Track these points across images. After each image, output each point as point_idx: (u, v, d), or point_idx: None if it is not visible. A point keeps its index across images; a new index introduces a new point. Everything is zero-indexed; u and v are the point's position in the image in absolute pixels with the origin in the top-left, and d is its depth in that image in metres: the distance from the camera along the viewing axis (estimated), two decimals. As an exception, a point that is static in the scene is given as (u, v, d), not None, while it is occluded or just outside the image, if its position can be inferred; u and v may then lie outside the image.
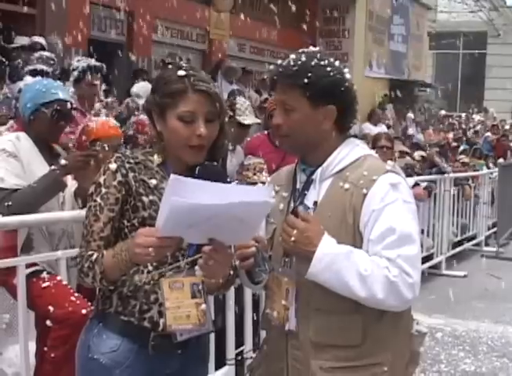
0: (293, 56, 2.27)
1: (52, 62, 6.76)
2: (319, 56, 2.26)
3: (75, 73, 5.75)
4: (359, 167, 2.24)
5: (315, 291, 2.18)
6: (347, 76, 2.28)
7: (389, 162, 2.36)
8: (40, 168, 3.72)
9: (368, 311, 2.18)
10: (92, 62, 5.96)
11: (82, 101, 5.62)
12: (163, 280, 2.23)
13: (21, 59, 7.12)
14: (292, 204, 2.33)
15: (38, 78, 4.19)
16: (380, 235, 2.15)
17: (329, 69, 2.24)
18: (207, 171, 2.25)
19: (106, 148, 4.40)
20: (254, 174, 5.01)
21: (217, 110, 2.28)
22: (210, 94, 2.26)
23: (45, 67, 6.34)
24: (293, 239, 2.15)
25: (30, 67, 6.49)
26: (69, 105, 3.97)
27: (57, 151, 3.97)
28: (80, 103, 5.53)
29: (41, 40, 8.00)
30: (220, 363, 4.15)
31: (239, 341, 4.34)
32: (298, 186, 2.34)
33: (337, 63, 2.28)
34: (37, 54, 6.98)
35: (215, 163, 2.33)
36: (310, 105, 2.23)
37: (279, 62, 2.30)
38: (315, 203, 2.26)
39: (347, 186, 2.21)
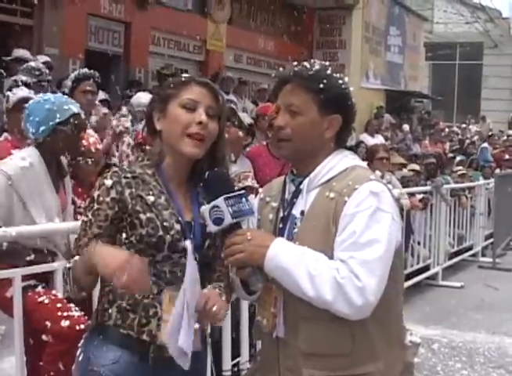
0: (306, 63, 2.30)
1: (37, 72, 6.70)
2: (331, 68, 2.31)
3: (68, 83, 5.78)
4: (346, 177, 2.24)
5: (301, 299, 2.17)
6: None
7: (377, 172, 2.36)
8: (47, 193, 3.73)
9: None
10: (84, 70, 5.99)
11: None
12: (165, 291, 2.25)
13: (13, 72, 7.11)
14: (281, 214, 2.33)
15: (39, 97, 3.94)
16: (342, 238, 2.14)
17: (341, 81, 2.29)
18: (216, 177, 2.24)
19: (90, 162, 4.41)
20: (239, 181, 5.15)
21: (218, 107, 2.32)
22: (213, 88, 2.33)
23: (24, 78, 6.30)
24: (249, 237, 2.15)
25: (12, 78, 6.48)
26: (83, 115, 3.96)
27: (64, 169, 3.96)
28: None
29: (25, 53, 7.95)
30: (216, 375, 4.14)
31: (236, 353, 4.34)
32: (287, 196, 2.35)
33: (346, 79, 2.33)
34: (24, 65, 6.96)
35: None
36: (318, 111, 2.25)
37: (293, 65, 2.32)
38: (302, 212, 2.27)
39: (332, 195, 2.21)
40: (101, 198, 2.24)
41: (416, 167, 9.31)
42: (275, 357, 2.31)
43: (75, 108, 3.87)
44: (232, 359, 4.32)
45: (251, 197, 2.55)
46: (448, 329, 6.82)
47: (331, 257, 2.15)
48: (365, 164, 2.40)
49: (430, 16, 26.45)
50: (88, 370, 2.28)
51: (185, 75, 2.39)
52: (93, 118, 6.15)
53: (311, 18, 17.00)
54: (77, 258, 2.22)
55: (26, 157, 3.71)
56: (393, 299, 2.28)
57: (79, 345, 2.38)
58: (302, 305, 2.17)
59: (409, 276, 7.64)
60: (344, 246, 2.13)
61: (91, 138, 4.57)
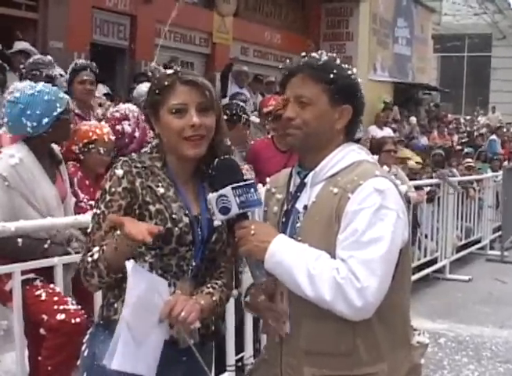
0: (315, 54, 2.27)
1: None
2: (338, 60, 2.28)
3: (66, 76, 5.79)
4: (351, 172, 2.19)
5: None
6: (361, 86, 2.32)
7: (385, 167, 2.31)
8: (43, 185, 3.71)
9: None
10: (80, 61, 5.99)
11: (79, 103, 5.59)
12: (179, 284, 2.25)
13: (19, 64, 7.07)
14: (285, 207, 2.30)
15: (30, 90, 3.82)
16: (344, 236, 2.10)
17: (350, 72, 2.26)
18: (225, 165, 2.22)
19: (102, 152, 4.38)
20: None
21: (208, 100, 2.26)
22: (198, 83, 2.26)
23: (60, 71, 6.30)
24: (252, 232, 2.13)
25: (53, 72, 6.42)
26: (70, 102, 4.02)
27: (58, 157, 3.94)
28: (77, 105, 5.50)
29: (26, 45, 7.93)
30: (220, 370, 4.13)
31: (240, 348, 4.32)
32: (292, 189, 2.32)
33: (354, 70, 2.30)
34: (46, 58, 6.91)
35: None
36: (329, 101, 2.22)
37: (301, 56, 2.29)
38: (306, 207, 2.23)
39: (336, 190, 2.16)
40: (113, 189, 2.21)
41: (419, 159, 9.21)
42: (277, 353, 2.30)
43: (65, 95, 3.91)
44: (236, 354, 4.30)
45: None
46: (455, 323, 6.78)
47: (333, 254, 2.11)
48: (373, 158, 2.34)
49: (439, 8, 26.33)
50: (94, 365, 2.26)
51: (168, 72, 2.29)
52: (99, 111, 6.11)
53: (318, 10, 16.93)
54: (97, 248, 2.17)
55: (14, 154, 3.65)
56: (400, 299, 2.24)
57: (84, 340, 2.36)
58: (306, 302, 2.13)
59: (416, 270, 7.60)
60: (346, 244, 2.09)
61: (104, 128, 4.53)
